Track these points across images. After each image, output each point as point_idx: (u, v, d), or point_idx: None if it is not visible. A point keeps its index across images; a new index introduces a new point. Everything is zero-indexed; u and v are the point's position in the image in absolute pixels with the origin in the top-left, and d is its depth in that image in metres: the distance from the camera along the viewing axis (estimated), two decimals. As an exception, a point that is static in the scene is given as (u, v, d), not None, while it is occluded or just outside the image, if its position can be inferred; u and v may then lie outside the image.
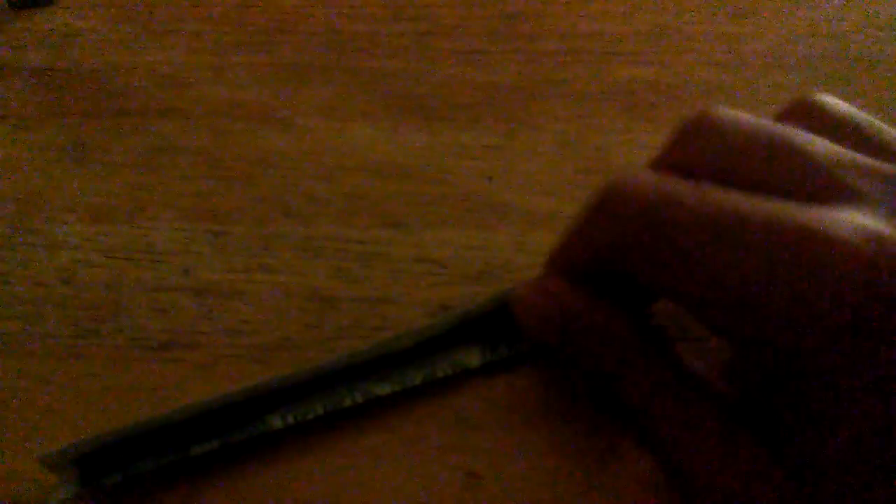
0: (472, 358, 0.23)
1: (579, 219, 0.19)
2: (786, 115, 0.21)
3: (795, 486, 0.16)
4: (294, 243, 0.27)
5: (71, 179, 0.29)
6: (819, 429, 0.15)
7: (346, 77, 0.33)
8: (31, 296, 0.26)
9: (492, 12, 0.36)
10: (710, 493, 0.17)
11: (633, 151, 0.29)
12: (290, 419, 0.22)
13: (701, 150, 0.19)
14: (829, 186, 0.17)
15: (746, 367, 0.18)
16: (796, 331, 0.15)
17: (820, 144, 0.18)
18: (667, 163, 0.20)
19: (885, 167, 0.17)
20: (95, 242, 0.27)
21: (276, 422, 0.22)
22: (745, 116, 0.19)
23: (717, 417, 0.17)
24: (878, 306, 0.14)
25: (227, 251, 0.27)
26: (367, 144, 0.30)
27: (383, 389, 0.22)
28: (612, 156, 0.29)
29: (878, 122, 0.19)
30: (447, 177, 0.29)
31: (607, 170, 0.29)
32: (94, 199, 0.29)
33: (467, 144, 0.30)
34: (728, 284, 0.16)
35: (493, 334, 0.23)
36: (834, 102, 0.20)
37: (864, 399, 0.15)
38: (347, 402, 0.22)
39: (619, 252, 0.18)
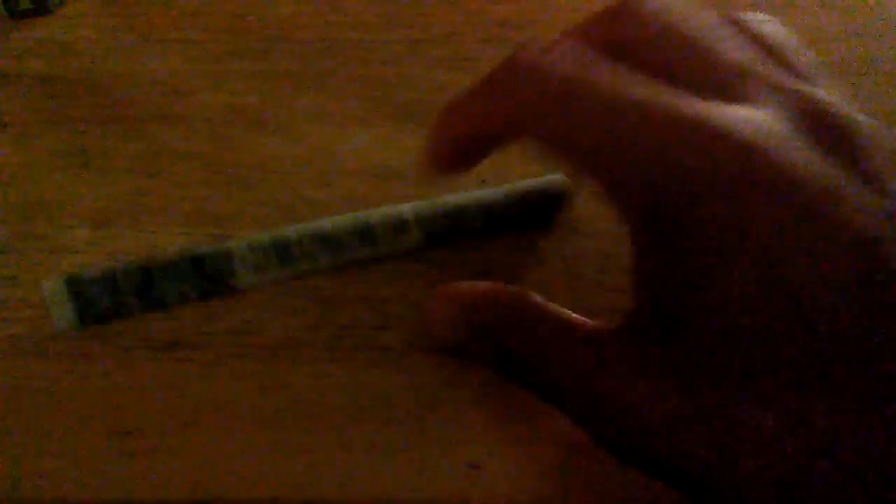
0: (414, 239, 0.26)
1: (486, 79, 0.21)
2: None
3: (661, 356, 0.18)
4: (295, 245, 0.28)
5: (73, 185, 0.30)
6: (687, 291, 0.17)
7: (341, 83, 0.34)
8: (37, 298, 0.26)
9: (483, 20, 0.37)
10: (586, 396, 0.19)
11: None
12: (254, 280, 0.26)
13: (622, 28, 0.20)
14: (731, 87, 0.19)
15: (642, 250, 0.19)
16: (683, 195, 0.17)
17: (735, 49, 0.19)
18: (588, 35, 0.21)
19: (787, 80, 0.19)
20: (99, 246, 0.28)
21: (242, 280, 0.26)
22: (679, 3, 0.21)
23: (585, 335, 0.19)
24: (752, 182, 0.16)
25: (229, 254, 0.27)
26: (364, 149, 0.31)
27: (325, 262, 0.26)
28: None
29: (798, 44, 0.21)
30: (442, 180, 0.30)
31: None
32: (97, 203, 0.29)
33: (461, 149, 0.31)
34: (626, 160, 0.18)
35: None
36: (765, 17, 0.22)
37: (728, 262, 0.16)
38: (301, 268, 0.26)
39: (521, 116, 0.19)
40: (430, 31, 0.37)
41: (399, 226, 0.27)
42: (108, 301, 0.25)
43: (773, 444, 0.16)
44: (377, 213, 0.27)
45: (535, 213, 0.28)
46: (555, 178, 0.29)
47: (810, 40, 0.35)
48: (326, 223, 0.26)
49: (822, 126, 0.18)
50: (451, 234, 0.27)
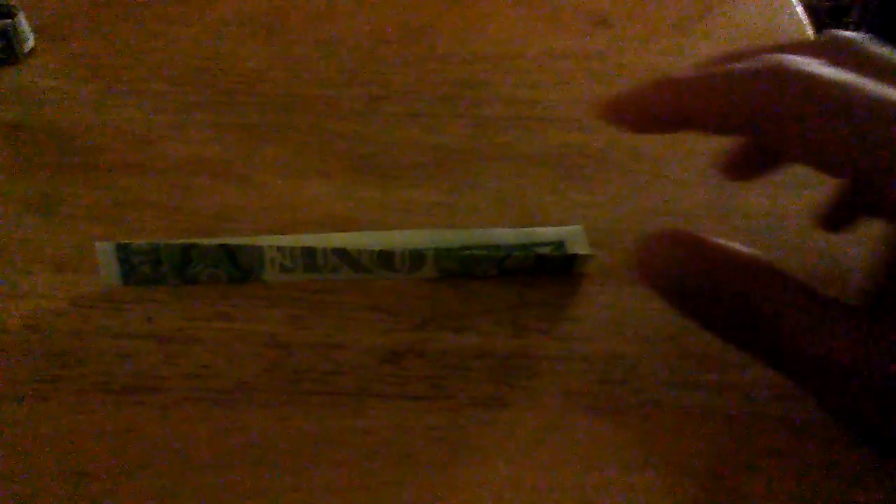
0: (430, 272, 0.29)
1: (735, 73, 0.21)
2: (817, 45, 0.23)
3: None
4: (251, 292, 0.29)
5: (38, 231, 0.31)
6: None
7: (302, 137, 0.36)
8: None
9: (440, 79, 0.39)
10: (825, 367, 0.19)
11: (564, 209, 0.32)
12: (279, 278, 0.29)
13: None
14: None
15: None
16: None
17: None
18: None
19: None
20: (61, 291, 0.28)
21: (269, 277, 0.29)
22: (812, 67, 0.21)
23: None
24: None
25: (187, 300, 0.28)
26: (322, 200, 0.32)
27: (345, 275, 0.29)
28: (546, 212, 0.32)
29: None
30: (396, 231, 0.31)
31: (541, 225, 0.31)
32: (60, 250, 0.30)
33: (415, 201, 0.33)
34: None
35: None
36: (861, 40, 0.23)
37: None
38: (322, 276, 0.29)
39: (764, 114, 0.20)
40: (388, 87, 0.38)
41: (418, 261, 0.29)
42: (149, 269, 0.28)
43: None
44: (400, 244, 0.29)
45: (551, 265, 0.29)
46: (574, 229, 0.30)
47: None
48: (352, 247, 0.28)
49: None
50: (464, 275, 0.29)
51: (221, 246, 0.28)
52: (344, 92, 0.38)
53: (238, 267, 0.28)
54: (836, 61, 0.21)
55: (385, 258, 0.28)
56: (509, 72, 0.40)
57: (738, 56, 0.23)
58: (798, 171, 0.34)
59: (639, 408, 0.25)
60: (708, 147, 0.35)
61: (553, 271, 0.29)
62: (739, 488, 0.24)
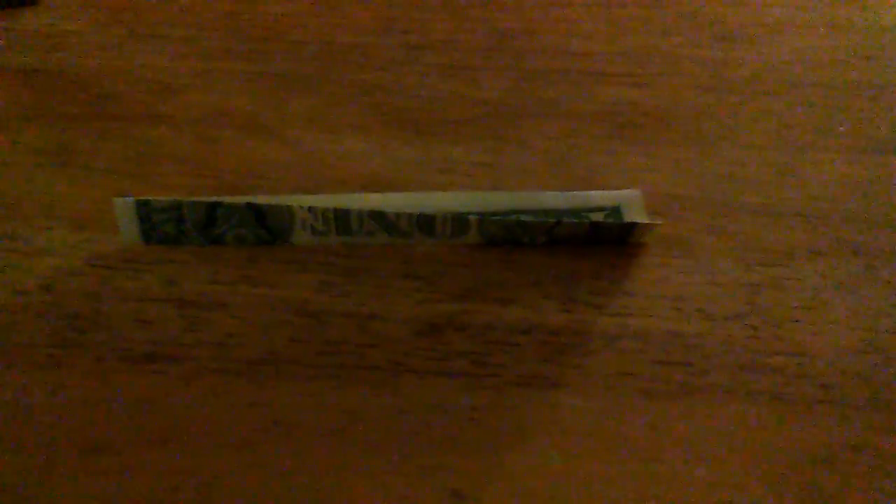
0: (473, 239, 0.27)
1: None
2: None
3: None
4: (280, 256, 0.27)
5: (53, 184, 0.29)
6: None
7: (335, 88, 0.33)
8: (10, 304, 0.25)
9: (483, 28, 0.36)
10: None
11: (619, 172, 0.30)
12: (309, 241, 0.27)
13: None
14: None
15: None
16: None
17: None
18: None
19: None
20: (78, 250, 0.27)
21: (298, 240, 0.27)
22: None
23: None
24: None
25: (211, 262, 0.27)
26: (356, 157, 0.30)
27: (380, 240, 0.27)
28: (598, 175, 0.30)
29: None
30: (436, 192, 0.29)
31: (594, 188, 0.29)
32: (77, 205, 0.28)
33: (456, 159, 0.30)
34: None
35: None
36: None
37: None
38: (356, 241, 0.27)
39: None
40: (428, 36, 0.36)
41: (460, 226, 0.27)
42: (171, 228, 0.26)
43: None
44: (441, 208, 0.27)
45: (607, 234, 0.27)
46: (630, 194, 0.28)
47: (821, 62, 0.34)
48: (389, 209, 0.27)
49: None
50: (510, 242, 0.27)
51: (249, 205, 0.26)
52: (380, 40, 0.36)
53: (266, 228, 0.26)
54: None
55: (425, 222, 0.26)
56: (558, 21, 0.37)
57: None
58: (877, 135, 0.31)
59: (702, 392, 0.23)
60: (778, 107, 0.32)
61: (608, 240, 0.27)
62: (813, 484, 0.21)
